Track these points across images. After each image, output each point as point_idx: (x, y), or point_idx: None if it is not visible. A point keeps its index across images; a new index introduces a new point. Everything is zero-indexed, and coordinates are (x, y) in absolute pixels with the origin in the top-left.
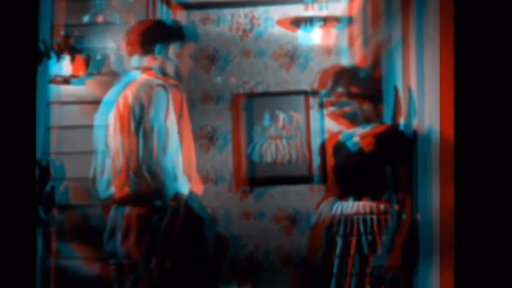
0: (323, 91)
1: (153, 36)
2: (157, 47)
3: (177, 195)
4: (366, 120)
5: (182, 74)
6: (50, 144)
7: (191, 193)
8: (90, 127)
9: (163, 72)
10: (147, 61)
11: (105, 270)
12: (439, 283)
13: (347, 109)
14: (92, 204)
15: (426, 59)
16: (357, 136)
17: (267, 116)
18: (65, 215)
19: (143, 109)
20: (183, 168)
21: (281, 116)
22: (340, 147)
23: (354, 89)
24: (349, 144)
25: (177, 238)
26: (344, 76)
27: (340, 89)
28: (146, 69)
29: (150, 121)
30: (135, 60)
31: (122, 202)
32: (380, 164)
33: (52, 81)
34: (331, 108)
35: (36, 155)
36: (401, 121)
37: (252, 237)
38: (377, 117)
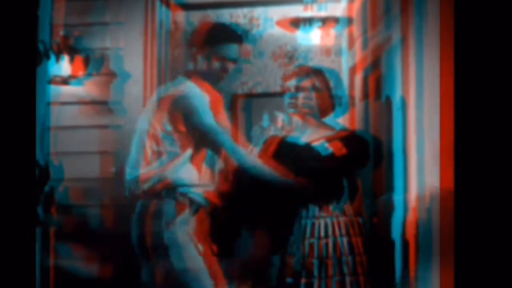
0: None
1: (215, 37)
2: (216, 49)
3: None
4: (321, 111)
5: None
6: (50, 144)
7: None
8: (89, 127)
9: (213, 79)
10: (200, 64)
11: (104, 270)
12: (439, 283)
13: (306, 83)
14: (91, 204)
15: (426, 59)
16: (323, 139)
17: (266, 116)
18: (64, 215)
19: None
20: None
21: (280, 116)
22: (293, 150)
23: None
24: (319, 148)
25: None
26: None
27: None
28: (193, 74)
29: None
30: (190, 64)
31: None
32: (349, 168)
33: (51, 81)
34: (290, 83)
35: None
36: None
37: None
38: (331, 109)
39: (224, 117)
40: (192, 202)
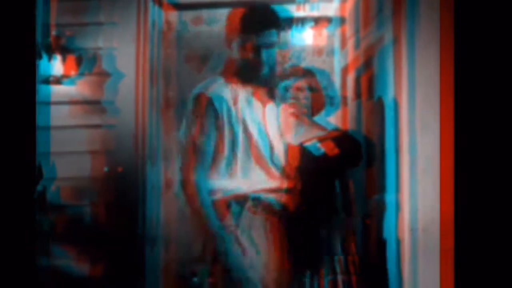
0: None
1: (251, 22)
2: (252, 36)
3: None
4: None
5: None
6: (44, 144)
7: None
8: (81, 127)
9: (248, 71)
10: (235, 54)
11: (96, 269)
12: (439, 283)
13: (302, 83)
14: (84, 204)
15: (418, 60)
16: (315, 139)
17: None
18: (56, 215)
19: None
20: None
21: None
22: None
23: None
24: (312, 148)
25: None
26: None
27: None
28: (228, 67)
29: None
30: (224, 53)
31: None
32: (341, 168)
33: (43, 81)
34: (285, 83)
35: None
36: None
37: None
38: (323, 109)
39: (265, 115)
40: (263, 207)
